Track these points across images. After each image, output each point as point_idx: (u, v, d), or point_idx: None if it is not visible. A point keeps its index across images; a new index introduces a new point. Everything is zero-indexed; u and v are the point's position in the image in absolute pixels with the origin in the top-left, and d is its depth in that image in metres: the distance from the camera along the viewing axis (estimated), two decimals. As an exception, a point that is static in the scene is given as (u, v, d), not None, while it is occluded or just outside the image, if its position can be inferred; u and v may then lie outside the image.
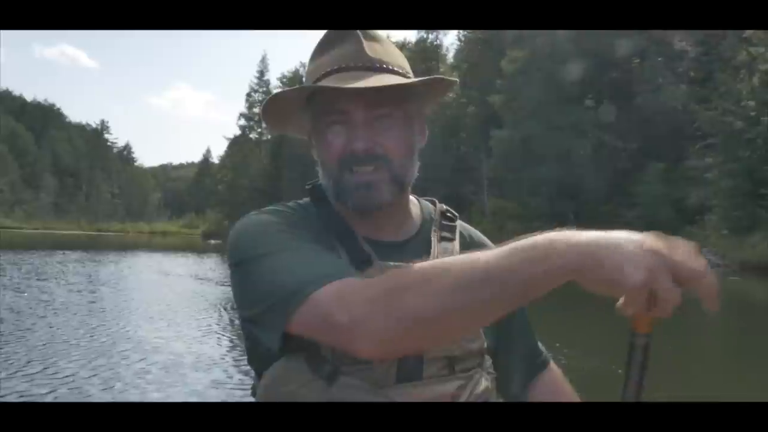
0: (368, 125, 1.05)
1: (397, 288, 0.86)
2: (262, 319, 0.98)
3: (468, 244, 1.18)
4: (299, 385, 0.98)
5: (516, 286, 0.81)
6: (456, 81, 1.19)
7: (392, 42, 1.16)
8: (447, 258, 0.92)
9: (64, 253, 25.22)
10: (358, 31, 1.10)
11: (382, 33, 1.14)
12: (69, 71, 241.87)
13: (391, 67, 1.09)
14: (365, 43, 1.08)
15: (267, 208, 1.10)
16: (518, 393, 1.23)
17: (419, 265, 0.89)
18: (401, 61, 1.13)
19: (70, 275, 16.66)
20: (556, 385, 1.27)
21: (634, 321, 0.80)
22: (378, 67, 1.07)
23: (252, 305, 0.99)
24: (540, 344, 1.30)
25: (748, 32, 28.23)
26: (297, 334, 0.93)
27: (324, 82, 1.05)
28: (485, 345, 1.10)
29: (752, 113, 26.51)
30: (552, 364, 1.29)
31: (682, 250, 0.76)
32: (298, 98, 1.11)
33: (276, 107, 1.12)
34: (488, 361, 1.12)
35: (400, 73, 1.10)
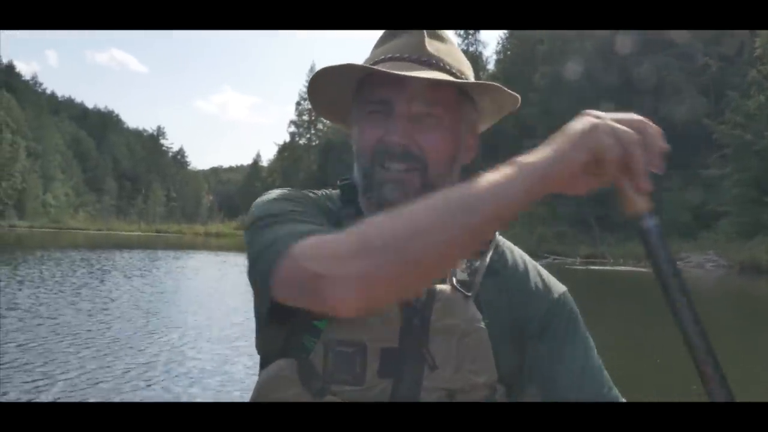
0: (409, 121, 0.98)
1: (369, 224, 0.83)
2: (253, 280, 0.97)
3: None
4: (287, 395, 0.97)
5: (500, 199, 0.77)
6: (518, 98, 1.06)
7: None
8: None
9: (127, 251, 27.26)
10: (425, 31, 1.03)
11: (450, 35, 1.08)
12: (120, 76, 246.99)
13: (448, 68, 1.01)
14: (427, 39, 1.02)
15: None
16: None
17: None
18: (464, 67, 1.06)
19: (137, 271, 18.07)
20: None
21: (628, 203, 0.78)
22: (434, 63, 1.00)
23: (249, 266, 0.98)
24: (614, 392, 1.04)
25: (758, 51, 30.05)
26: (283, 300, 0.90)
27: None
28: (496, 378, 1.00)
29: (760, 127, 28.49)
30: None
31: (613, 115, 0.79)
32: (347, 85, 1.06)
33: (325, 93, 1.09)
34: (500, 390, 1.01)
35: (458, 77, 1.02)
